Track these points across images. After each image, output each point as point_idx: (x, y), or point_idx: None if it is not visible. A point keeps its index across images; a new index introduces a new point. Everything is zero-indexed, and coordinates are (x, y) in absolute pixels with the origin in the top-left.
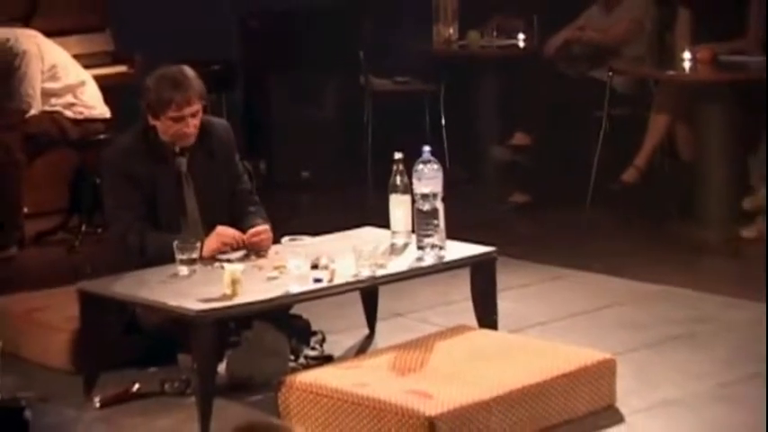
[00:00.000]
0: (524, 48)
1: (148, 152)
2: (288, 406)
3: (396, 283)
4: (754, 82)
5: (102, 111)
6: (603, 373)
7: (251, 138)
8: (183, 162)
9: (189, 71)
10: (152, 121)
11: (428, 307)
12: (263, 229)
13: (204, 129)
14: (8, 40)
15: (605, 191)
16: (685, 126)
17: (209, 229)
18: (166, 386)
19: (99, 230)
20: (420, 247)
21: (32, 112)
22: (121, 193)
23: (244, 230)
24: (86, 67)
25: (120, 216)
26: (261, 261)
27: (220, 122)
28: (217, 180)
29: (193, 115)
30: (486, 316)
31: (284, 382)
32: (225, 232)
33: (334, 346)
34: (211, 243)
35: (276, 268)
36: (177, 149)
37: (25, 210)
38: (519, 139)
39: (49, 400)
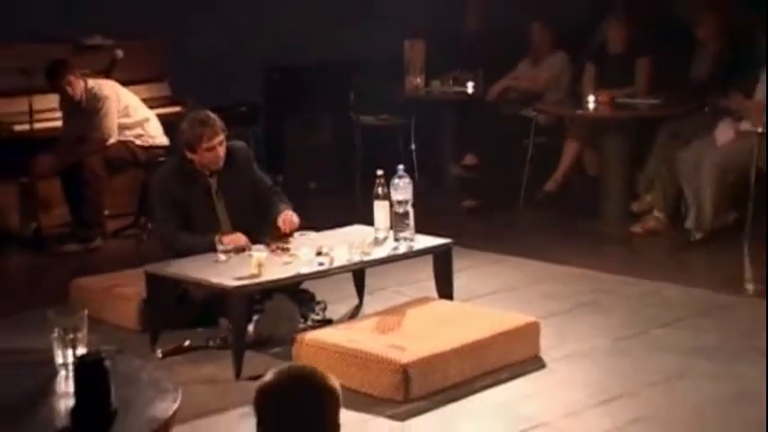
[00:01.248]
0: (473, 93)
1: (184, 177)
2: (299, 357)
3: (378, 266)
4: (640, 118)
5: (163, 140)
6: (530, 331)
7: (270, 158)
8: (213, 183)
9: (210, 113)
10: (190, 155)
11: (402, 283)
12: (286, 214)
13: (228, 152)
14: (93, 87)
15: (533, 197)
16: (591, 150)
17: (237, 230)
18: (210, 342)
19: None
20: (396, 240)
21: (111, 141)
22: (164, 210)
23: (272, 216)
24: (151, 107)
25: (164, 226)
26: (278, 249)
27: (239, 144)
28: (241, 191)
29: (220, 144)
30: (445, 290)
31: (296, 339)
32: (238, 239)
33: (333, 312)
34: (230, 241)
35: (290, 255)
36: (208, 173)
37: (106, 212)
38: (469, 159)
39: (123, 352)
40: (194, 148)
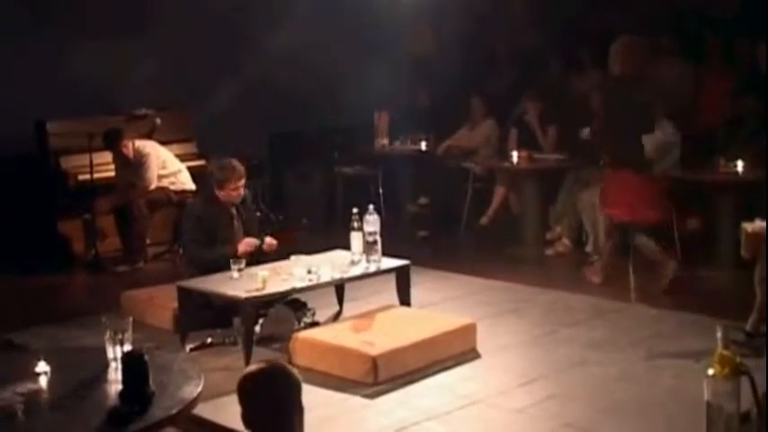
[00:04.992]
0: (425, 150)
1: (214, 206)
2: (294, 351)
3: (354, 281)
4: (550, 169)
5: (191, 186)
6: (469, 330)
7: (274, 201)
8: (234, 209)
9: (237, 162)
10: (218, 192)
11: (372, 294)
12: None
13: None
14: (139, 147)
15: (471, 229)
16: (514, 193)
17: None
18: (226, 340)
19: None
20: (367, 261)
21: (152, 187)
22: (193, 232)
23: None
24: (182, 161)
25: (192, 245)
26: (278, 269)
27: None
28: (249, 218)
29: (242, 186)
30: (404, 299)
31: (292, 337)
32: (250, 241)
33: (320, 316)
34: (243, 246)
35: (287, 273)
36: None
37: (148, 241)
38: (422, 200)
39: (160, 348)
40: (222, 187)
